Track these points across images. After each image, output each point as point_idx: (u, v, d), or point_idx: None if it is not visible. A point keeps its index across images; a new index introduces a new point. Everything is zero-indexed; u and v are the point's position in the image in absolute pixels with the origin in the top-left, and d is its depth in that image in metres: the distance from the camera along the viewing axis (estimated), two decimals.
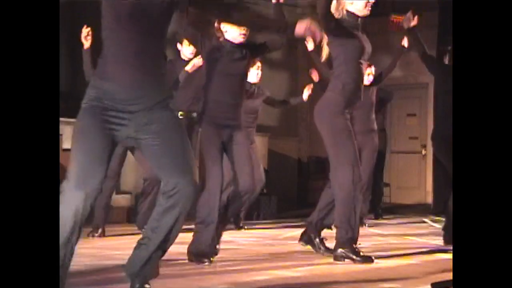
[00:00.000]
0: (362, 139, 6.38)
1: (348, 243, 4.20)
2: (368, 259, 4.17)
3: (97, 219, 5.73)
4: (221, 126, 4.13)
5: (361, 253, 4.21)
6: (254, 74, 6.03)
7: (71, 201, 2.59)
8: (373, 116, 6.71)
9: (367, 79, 6.45)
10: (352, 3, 4.23)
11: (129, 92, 2.65)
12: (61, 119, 3.73)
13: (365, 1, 4.22)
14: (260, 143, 7.88)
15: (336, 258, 4.22)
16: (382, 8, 10.43)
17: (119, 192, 7.96)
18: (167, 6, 2.71)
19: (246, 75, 4.41)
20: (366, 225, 6.70)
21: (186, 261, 4.10)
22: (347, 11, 4.25)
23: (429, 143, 10.14)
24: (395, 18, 9.90)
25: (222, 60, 4.16)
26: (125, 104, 2.65)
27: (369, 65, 6.38)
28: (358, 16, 4.26)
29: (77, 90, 8.51)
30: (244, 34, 4.22)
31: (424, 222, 7.75)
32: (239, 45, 4.22)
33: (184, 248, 4.11)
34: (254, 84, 6.14)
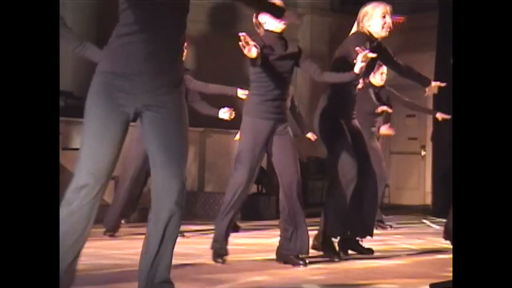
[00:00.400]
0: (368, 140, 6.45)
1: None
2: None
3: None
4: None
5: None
6: None
7: (87, 191, 2.56)
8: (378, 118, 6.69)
9: (381, 78, 6.45)
10: (370, 26, 4.39)
11: (140, 73, 2.61)
12: (62, 118, 3.74)
13: (382, 22, 4.38)
14: None
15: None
16: None
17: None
18: None
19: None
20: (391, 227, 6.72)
21: (185, 262, 4.10)
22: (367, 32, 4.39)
23: (429, 144, 10.21)
24: (395, 18, 9.90)
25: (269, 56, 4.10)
26: (134, 82, 2.61)
27: (380, 65, 6.34)
28: (376, 38, 4.42)
29: (78, 90, 8.53)
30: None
31: (423, 222, 7.76)
32: (281, 34, 4.19)
33: (180, 249, 4.11)
34: None
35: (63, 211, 2.56)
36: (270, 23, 4.13)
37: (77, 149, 7.60)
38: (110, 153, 2.60)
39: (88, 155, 2.59)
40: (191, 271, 3.75)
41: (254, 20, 4.21)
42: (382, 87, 6.60)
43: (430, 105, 10.19)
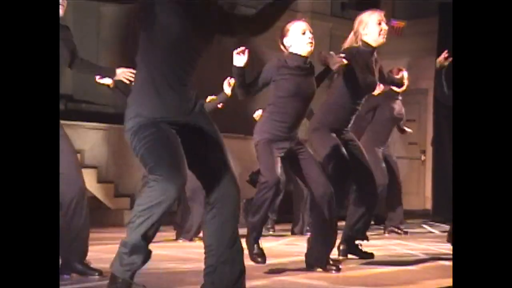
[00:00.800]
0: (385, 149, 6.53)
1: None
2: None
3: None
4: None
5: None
6: None
7: (166, 193, 2.63)
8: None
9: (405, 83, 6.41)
10: (366, 34, 4.39)
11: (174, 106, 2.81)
12: (62, 121, 3.73)
13: (378, 29, 4.37)
14: None
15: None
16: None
17: (117, 195, 7.96)
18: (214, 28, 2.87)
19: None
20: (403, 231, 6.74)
21: (186, 266, 4.09)
22: (363, 41, 4.40)
23: (429, 149, 10.21)
24: (396, 24, 9.93)
25: (291, 78, 4.14)
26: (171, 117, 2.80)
27: (400, 69, 6.30)
28: (374, 47, 4.43)
29: (78, 93, 8.52)
30: (311, 42, 4.19)
31: (423, 227, 7.75)
32: (306, 58, 4.21)
33: (182, 253, 4.09)
34: None
35: None
36: (296, 44, 4.17)
37: (77, 152, 7.62)
38: None
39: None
40: (192, 275, 3.73)
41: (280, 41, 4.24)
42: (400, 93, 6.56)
43: (429, 111, 10.21)
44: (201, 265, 2.90)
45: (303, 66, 4.17)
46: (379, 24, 4.38)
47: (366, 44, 4.39)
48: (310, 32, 4.16)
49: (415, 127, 10.72)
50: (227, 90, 5.73)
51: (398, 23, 9.94)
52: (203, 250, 2.89)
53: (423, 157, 10.53)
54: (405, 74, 6.36)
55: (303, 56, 4.17)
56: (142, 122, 2.75)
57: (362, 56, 4.37)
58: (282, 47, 4.21)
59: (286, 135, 4.15)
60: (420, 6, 10.29)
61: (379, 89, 6.28)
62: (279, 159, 4.17)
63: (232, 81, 5.51)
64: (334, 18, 10.25)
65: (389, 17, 10.29)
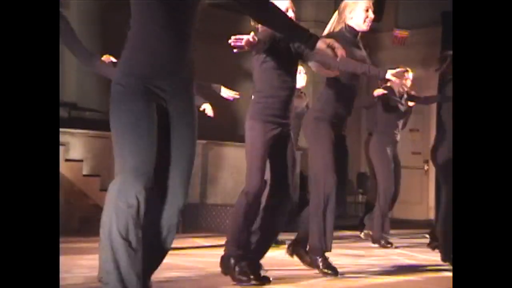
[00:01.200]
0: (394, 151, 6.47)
1: (320, 252, 4.22)
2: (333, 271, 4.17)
3: None
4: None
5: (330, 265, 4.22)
6: (300, 79, 5.86)
7: (130, 194, 2.49)
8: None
9: (408, 84, 6.34)
10: (352, 18, 4.34)
11: (163, 67, 2.62)
12: (66, 129, 3.74)
13: (364, 16, 4.32)
14: None
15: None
16: (386, 24, 10.49)
17: None
18: None
19: None
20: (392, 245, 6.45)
21: (186, 275, 4.08)
22: (347, 25, 4.36)
23: None
24: (399, 33, 9.93)
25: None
26: (159, 79, 2.62)
27: (406, 71, 6.08)
28: (357, 31, 4.37)
29: (82, 101, 8.54)
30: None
31: (426, 237, 7.72)
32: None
33: (182, 261, 4.09)
34: (300, 89, 6.00)
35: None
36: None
37: (80, 160, 7.63)
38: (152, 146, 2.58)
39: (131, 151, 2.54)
40: (194, 285, 3.73)
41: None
42: (406, 93, 6.44)
43: (433, 121, 10.18)
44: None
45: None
46: (366, 10, 4.34)
47: (350, 27, 4.35)
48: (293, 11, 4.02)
49: (419, 137, 10.71)
50: (225, 92, 5.55)
51: (401, 33, 9.94)
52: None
53: (426, 167, 10.51)
54: (410, 75, 6.32)
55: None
56: (126, 88, 2.58)
57: (347, 41, 4.26)
58: None
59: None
60: (423, 15, 10.31)
61: (377, 92, 6.26)
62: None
63: (232, 93, 5.49)
64: None
65: (392, 27, 10.32)
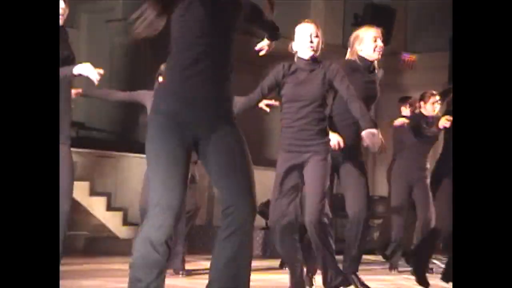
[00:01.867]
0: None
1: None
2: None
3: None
4: None
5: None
6: None
7: (163, 223, 2.51)
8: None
9: (432, 108, 6.06)
10: (361, 50, 4.46)
11: (197, 106, 2.58)
12: (73, 149, 3.74)
13: (373, 46, 4.44)
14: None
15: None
16: (394, 47, 10.52)
17: (125, 223, 7.94)
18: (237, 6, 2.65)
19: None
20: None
21: None
22: (359, 56, 4.47)
23: None
24: (407, 57, 9.95)
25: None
26: (192, 117, 2.58)
27: (433, 94, 6.00)
28: (370, 61, 4.48)
29: (90, 120, 8.57)
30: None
31: (433, 262, 7.64)
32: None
33: (188, 284, 4.05)
34: None
35: None
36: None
37: (87, 180, 7.60)
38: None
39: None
40: None
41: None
42: (435, 117, 6.02)
43: (441, 140, 10.13)
44: None
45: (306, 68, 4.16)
46: (375, 40, 4.43)
47: (361, 58, 4.46)
48: (316, 36, 4.12)
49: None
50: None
51: (410, 57, 9.96)
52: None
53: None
54: (437, 98, 6.02)
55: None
56: (156, 124, 2.56)
57: (360, 68, 4.42)
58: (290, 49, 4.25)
59: None
60: (432, 39, 10.34)
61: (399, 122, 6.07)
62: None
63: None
64: (345, 50, 10.23)
65: (400, 50, 10.35)
